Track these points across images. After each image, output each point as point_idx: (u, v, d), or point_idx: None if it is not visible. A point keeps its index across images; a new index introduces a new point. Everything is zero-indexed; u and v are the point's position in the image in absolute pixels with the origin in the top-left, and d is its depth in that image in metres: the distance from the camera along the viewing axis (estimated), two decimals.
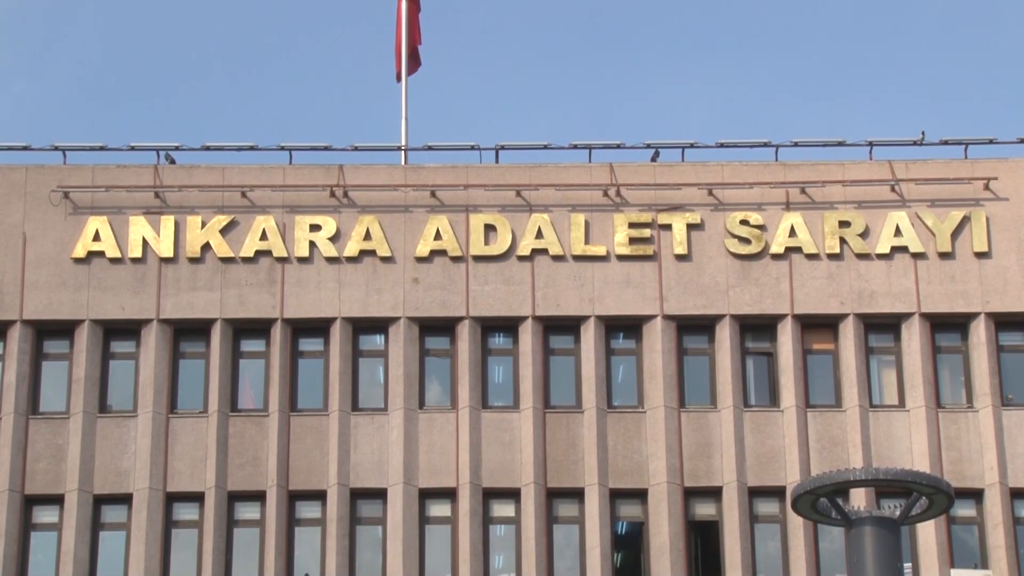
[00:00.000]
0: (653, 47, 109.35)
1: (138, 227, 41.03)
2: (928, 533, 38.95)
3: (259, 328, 41.29)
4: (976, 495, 39.66)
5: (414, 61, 46.03)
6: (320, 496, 40.27)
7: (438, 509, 40.55)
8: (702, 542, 40.36)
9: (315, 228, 41.25)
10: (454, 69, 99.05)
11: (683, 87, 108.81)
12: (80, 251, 40.79)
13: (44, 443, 40.38)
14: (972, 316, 40.86)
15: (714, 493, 40.23)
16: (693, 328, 41.44)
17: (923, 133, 41.95)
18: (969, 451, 40.31)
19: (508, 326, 41.47)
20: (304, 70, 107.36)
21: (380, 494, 40.26)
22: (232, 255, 40.98)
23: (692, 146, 42.40)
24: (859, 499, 31.28)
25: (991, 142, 42.35)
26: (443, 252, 41.15)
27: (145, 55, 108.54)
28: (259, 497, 40.21)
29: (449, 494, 40.36)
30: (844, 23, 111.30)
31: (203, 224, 41.18)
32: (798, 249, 41.08)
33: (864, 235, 41.13)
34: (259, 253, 41.02)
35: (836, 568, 39.37)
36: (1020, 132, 48.34)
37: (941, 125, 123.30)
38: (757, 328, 41.56)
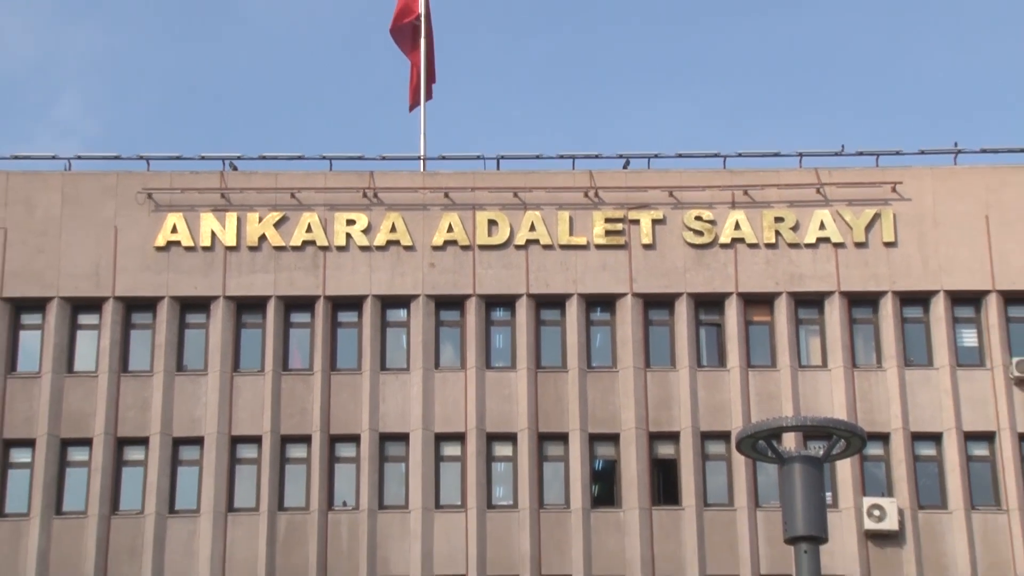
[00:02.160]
0: (626, 77, 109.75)
1: (207, 222, 41.28)
2: (845, 468, 39.21)
3: (305, 304, 41.46)
4: (884, 438, 39.92)
5: (428, 91, 45.78)
6: (355, 439, 40.55)
7: (450, 450, 40.78)
8: (663, 476, 40.50)
9: (351, 223, 41.46)
10: (464, 95, 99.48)
11: (649, 110, 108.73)
12: (161, 241, 41.02)
13: (133, 396, 40.62)
14: (881, 294, 41.19)
15: (673, 437, 40.46)
16: (656, 304, 41.57)
17: (843, 146, 42.45)
18: (878, 402, 40.64)
19: (507, 302, 41.58)
20: (342, 95, 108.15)
21: (403, 438, 40.51)
22: (283, 244, 41.24)
23: (656, 156, 42.61)
24: (790, 441, 31.72)
25: (898, 153, 42.57)
26: (454, 242, 41.43)
27: (212, 81, 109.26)
28: (306, 440, 40.50)
29: (459, 438, 40.59)
30: (781, 55, 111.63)
31: (260, 219, 41.41)
32: (741, 240, 41.38)
33: (795, 228, 41.38)
34: (305, 243, 41.27)
35: (771, 497, 39.46)
36: (921, 145, 48.55)
37: (858, 138, 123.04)
38: (708, 304, 41.66)
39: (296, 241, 41.27)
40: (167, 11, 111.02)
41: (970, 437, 40.31)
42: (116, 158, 42.43)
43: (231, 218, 41.35)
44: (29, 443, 40.30)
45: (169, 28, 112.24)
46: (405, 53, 46.07)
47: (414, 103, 45.66)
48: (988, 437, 40.33)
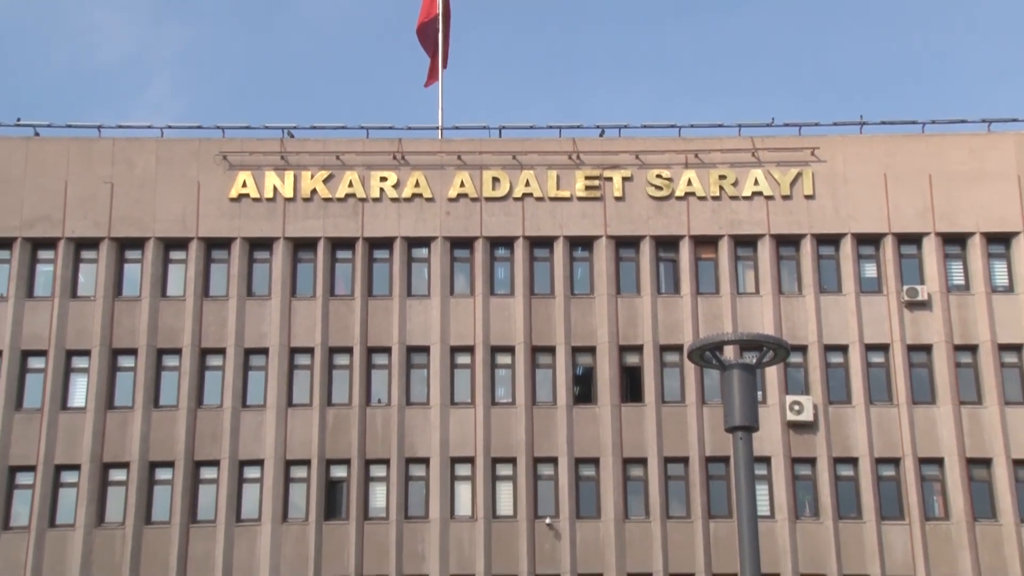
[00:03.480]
0: (602, 65, 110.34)
1: (270, 178, 41.49)
2: (772, 373, 39.57)
3: (347, 243, 41.58)
4: (802, 349, 40.27)
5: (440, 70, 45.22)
6: (387, 350, 40.81)
7: (462, 359, 40.94)
8: (630, 379, 40.84)
9: (383, 179, 41.62)
10: (473, 78, 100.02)
11: (620, 91, 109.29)
12: (233, 193, 41.34)
13: (213, 316, 41.00)
14: (802, 236, 41.42)
15: (638, 349, 40.86)
16: (625, 244, 41.75)
17: (772, 119, 42.23)
18: (798, 321, 40.95)
19: (507, 243, 41.76)
20: (376, 77, 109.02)
21: (425, 349, 40.82)
22: (330, 196, 41.47)
23: (625, 127, 42.56)
24: (730, 352, 32.84)
25: (816, 124, 42.53)
26: (465, 195, 41.68)
27: (272, 65, 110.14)
28: (348, 351, 40.73)
29: (469, 349, 40.85)
30: (725, 48, 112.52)
31: (311, 176, 41.57)
32: (692, 193, 41.57)
33: (735, 184, 41.58)
34: (347, 195, 41.48)
35: (714, 395, 39.79)
36: (834, 118, 48.63)
37: (784, 113, 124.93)
38: (666, 244, 41.74)
39: (340, 194, 41.56)
40: (235, 9, 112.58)
41: (870, 348, 40.74)
42: (198, 127, 42.62)
43: (289, 175, 41.63)
44: (132, 352, 40.63)
45: (237, 23, 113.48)
46: (425, 45, 45.55)
47: (431, 82, 45.39)
48: (884, 348, 40.78)
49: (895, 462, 39.85)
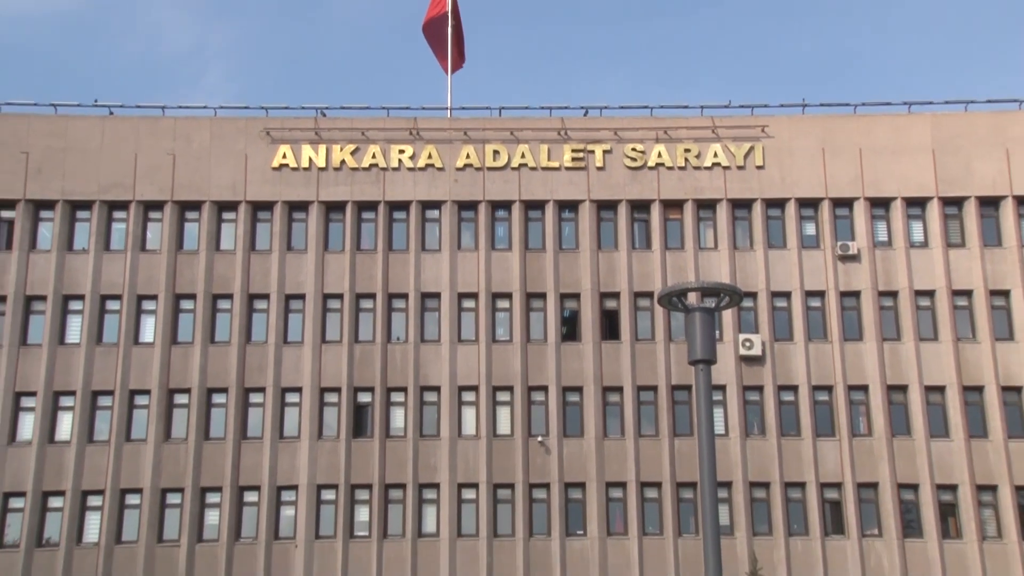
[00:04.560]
0: (586, 55, 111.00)
1: (306, 151, 41.35)
2: (728, 315, 40.10)
3: (371, 206, 41.40)
4: (753, 295, 40.53)
5: (460, 60, 44.91)
6: (404, 296, 40.70)
7: (467, 303, 40.90)
8: (609, 321, 40.81)
9: (401, 151, 41.42)
10: (477, 66, 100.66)
11: (601, 77, 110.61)
12: (275, 163, 41.26)
13: (258, 266, 40.78)
14: (753, 200, 41.38)
15: (615, 295, 40.85)
16: (606, 207, 41.60)
17: (730, 101, 42.09)
18: (750, 271, 40.85)
19: (506, 206, 41.63)
20: (395, 64, 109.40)
21: (436, 295, 40.78)
22: (357, 166, 41.33)
23: (606, 107, 42.31)
24: (693, 298, 33.87)
25: (766, 106, 42.30)
26: (471, 165, 41.52)
27: (308, 56, 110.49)
28: (372, 296, 40.67)
29: (473, 296, 40.80)
30: (689, 42, 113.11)
31: (340, 149, 41.38)
32: (662, 164, 41.52)
33: (698, 157, 41.47)
34: (371, 165, 41.34)
35: (679, 334, 40.04)
36: (781, 100, 49.14)
37: (739, 95, 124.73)
38: (640, 207, 41.61)
39: (365, 164, 41.46)
40: (277, 8, 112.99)
41: (809, 294, 40.84)
42: (245, 108, 42.39)
43: (322, 148, 41.49)
44: (192, 296, 40.69)
45: (278, 20, 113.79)
46: (430, 39, 44.92)
47: (455, 69, 44.65)
48: (820, 294, 40.85)
49: (828, 389, 40.21)
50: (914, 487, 39.27)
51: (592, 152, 41.90)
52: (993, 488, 39.19)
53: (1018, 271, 41.07)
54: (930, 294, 41.10)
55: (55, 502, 38.68)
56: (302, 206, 41.64)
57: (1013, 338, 40.58)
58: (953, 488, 39.25)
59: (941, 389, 40.21)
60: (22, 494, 38.59)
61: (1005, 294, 41.04)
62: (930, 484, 39.10)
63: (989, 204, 41.83)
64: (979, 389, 40.16)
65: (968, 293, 41.06)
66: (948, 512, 39.15)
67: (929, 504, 38.96)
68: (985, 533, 38.82)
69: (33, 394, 39.49)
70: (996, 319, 40.74)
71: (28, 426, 39.31)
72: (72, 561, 38.14)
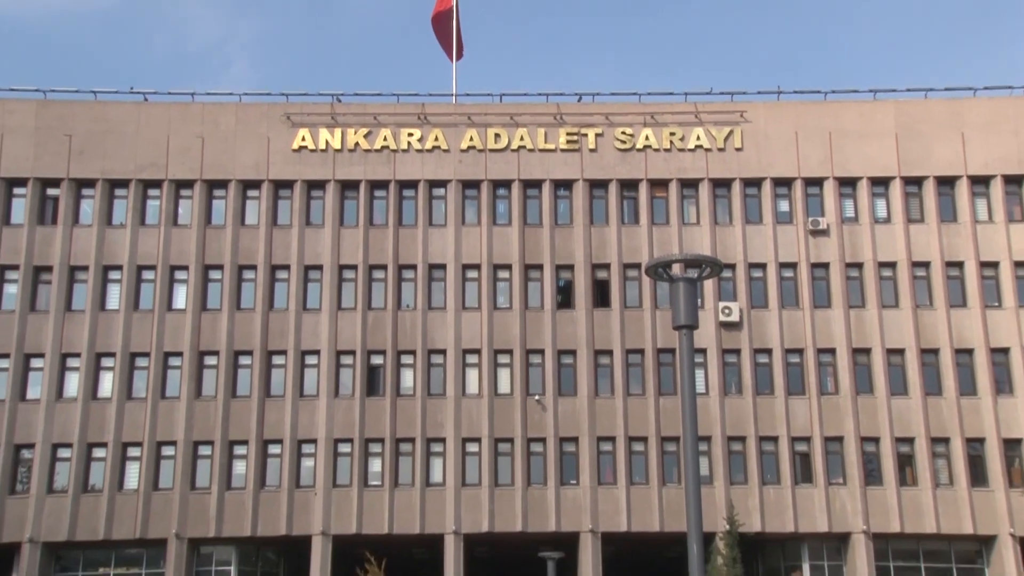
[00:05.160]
0: (580, 45, 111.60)
1: (323, 134, 41.44)
2: (709, 285, 40.00)
3: (383, 184, 41.46)
4: (732, 266, 40.59)
5: (459, 52, 44.48)
6: (413, 267, 40.88)
7: (471, 274, 41.09)
8: (600, 290, 40.92)
9: (410, 135, 41.55)
10: (481, 55, 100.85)
11: (594, 66, 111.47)
12: (295, 145, 41.36)
13: (280, 240, 40.88)
14: (732, 180, 41.58)
15: (607, 266, 41.02)
16: (597, 186, 41.72)
17: (711, 88, 42.84)
18: (730, 244, 41.00)
19: (507, 184, 41.69)
20: (405, 54, 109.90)
21: (443, 266, 40.94)
22: (370, 148, 41.41)
23: (598, 94, 42.40)
24: (677, 269, 34.14)
25: (744, 93, 42.43)
26: (474, 147, 41.56)
27: (324, 46, 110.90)
28: (384, 267, 40.82)
29: (476, 267, 41.06)
30: (674, 34, 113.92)
31: (355, 132, 41.48)
32: (649, 146, 41.62)
33: (683, 139, 41.58)
34: (383, 147, 41.42)
35: (665, 302, 39.97)
36: (759, 88, 49.09)
37: (720, 83, 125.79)
38: (629, 186, 41.66)
39: (377, 146, 41.55)
40: (296, 4, 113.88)
41: (782, 266, 41.10)
42: (268, 94, 42.57)
43: (337, 131, 41.60)
44: (219, 267, 40.78)
45: (297, 15, 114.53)
46: (437, 32, 44.67)
47: (458, 58, 44.48)
48: (793, 266, 41.08)
49: (799, 352, 40.57)
50: (875, 440, 39.80)
51: (585, 135, 41.98)
52: (946, 440, 39.82)
53: (971, 244, 41.39)
54: (892, 265, 41.42)
55: (98, 452, 39.16)
56: (320, 185, 41.77)
57: (966, 305, 40.97)
58: (910, 441, 39.84)
59: (901, 351, 40.58)
60: (69, 445, 39.12)
61: (959, 265, 41.40)
62: (890, 437, 39.63)
63: (946, 183, 42.11)
64: (935, 351, 40.58)
65: (926, 264, 41.39)
66: (905, 462, 39.71)
67: (889, 455, 39.50)
68: (938, 481, 39.45)
69: (78, 355, 39.88)
70: (951, 288, 41.10)
71: (73, 384, 39.71)
72: (114, 505, 38.72)
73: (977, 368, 40.44)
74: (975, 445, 39.88)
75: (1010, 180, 42.07)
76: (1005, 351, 40.60)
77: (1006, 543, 38.65)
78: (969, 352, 40.64)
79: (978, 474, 39.57)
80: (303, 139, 41.81)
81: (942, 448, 39.85)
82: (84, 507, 38.70)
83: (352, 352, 40.34)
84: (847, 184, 42.15)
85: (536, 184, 42.07)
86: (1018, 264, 41.30)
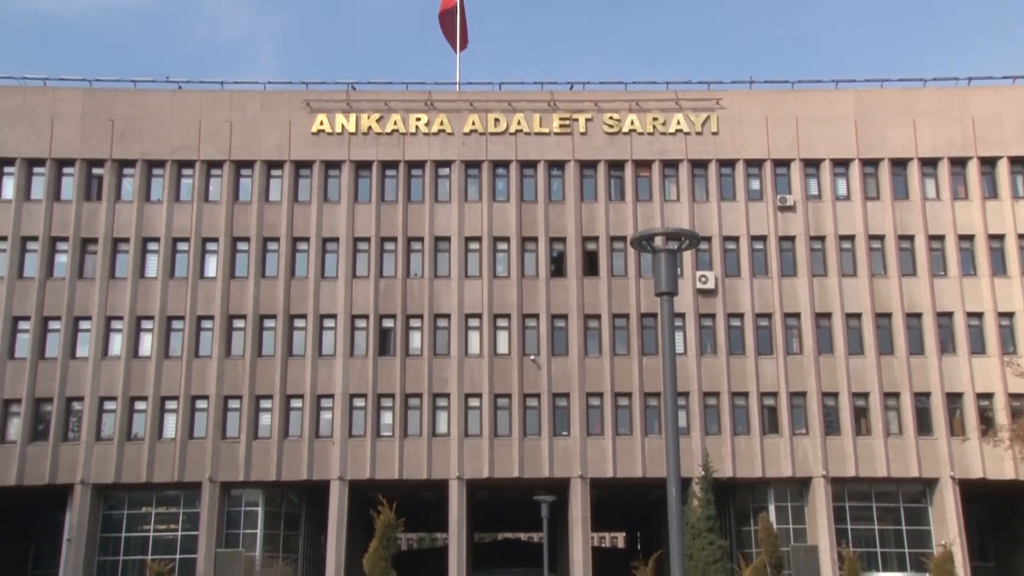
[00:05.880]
0: (572, 38, 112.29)
1: (339, 119, 41.52)
2: (688, 255, 39.90)
3: (393, 164, 41.47)
4: (709, 239, 40.72)
5: (463, 44, 44.48)
6: (421, 239, 41.00)
7: (473, 245, 41.18)
8: (589, 260, 40.98)
9: (418, 119, 41.63)
10: (483, 47, 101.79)
11: (584, 58, 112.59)
12: (314, 129, 41.53)
13: (301, 215, 41.06)
14: (709, 161, 41.69)
15: (595, 239, 41.14)
16: (587, 166, 41.75)
17: (690, 79, 43.34)
18: (707, 218, 41.08)
19: (505, 164, 41.69)
20: (414, 46, 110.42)
21: (448, 239, 41.02)
22: (381, 131, 41.48)
23: (588, 83, 42.60)
24: (659, 241, 34.10)
25: (719, 82, 42.65)
26: (476, 131, 41.65)
27: (339, 39, 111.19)
28: (394, 239, 40.97)
29: (478, 239, 41.14)
30: (659, 28, 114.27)
31: (368, 117, 41.59)
32: (635, 130, 41.75)
33: (664, 124, 41.71)
34: (393, 131, 41.54)
35: (647, 271, 40.24)
36: (733, 77, 49.98)
37: (697, 73, 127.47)
38: (615, 166, 41.70)
39: (388, 129, 41.63)
40: (315, 0, 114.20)
41: (753, 239, 41.36)
42: (289, 83, 42.70)
43: (352, 116, 41.73)
44: (246, 239, 40.93)
45: (316, 10, 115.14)
46: (444, 26, 44.53)
47: (462, 49, 44.41)
48: (763, 239, 41.35)
49: (768, 316, 40.93)
50: (835, 395, 40.30)
51: (576, 120, 42.12)
52: (896, 395, 40.41)
53: (921, 220, 41.79)
54: (851, 238, 41.75)
55: (140, 405, 39.73)
56: (336, 165, 41.95)
57: (916, 274, 41.40)
58: (865, 395, 40.41)
59: (858, 315, 40.99)
60: (114, 398, 39.66)
61: (910, 238, 41.81)
62: (847, 392, 40.17)
63: (899, 165, 42.45)
64: (888, 315, 40.99)
65: (881, 238, 41.75)
66: (861, 414, 40.26)
67: (846, 408, 40.07)
68: (889, 431, 40.09)
69: (120, 318, 40.34)
70: (903, 258, 41.49)
71: (117, 344, 40.22)
72: (154, 452, 39.31)
73: (925, 330, 40.83)
74: (922, 399, 40.33)
75: (955, 162, 42.39)
76: (949, 315, 41.03)
77: (947, 484, 39.32)
78: (918, 316, 41.04)
79: (924, 424, 40.07)
80: (321, 123, 41.91)
81: (893, 402, 40.31)
82: (128, 453, 39.23)
83: (366, 316, 40.54)
84: (811, 165, 42.36)
85: (532, 164, 42.20)
86: (961, 237, 41.68)
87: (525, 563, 53.59)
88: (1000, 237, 41.78)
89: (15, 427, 39.20)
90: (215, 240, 41.26)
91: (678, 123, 42.24)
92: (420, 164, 42.06)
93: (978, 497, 40.84)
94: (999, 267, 41.51)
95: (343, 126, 41.98)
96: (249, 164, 41.96)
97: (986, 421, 39.85)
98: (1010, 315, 41.04)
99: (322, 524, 40.04)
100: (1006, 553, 42.51)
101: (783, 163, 42.36)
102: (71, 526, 38.21)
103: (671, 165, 42.26)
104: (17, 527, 42.11)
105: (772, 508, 40.01)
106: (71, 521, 38.25)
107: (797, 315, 41.05)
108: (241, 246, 41.41)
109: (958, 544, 37.64)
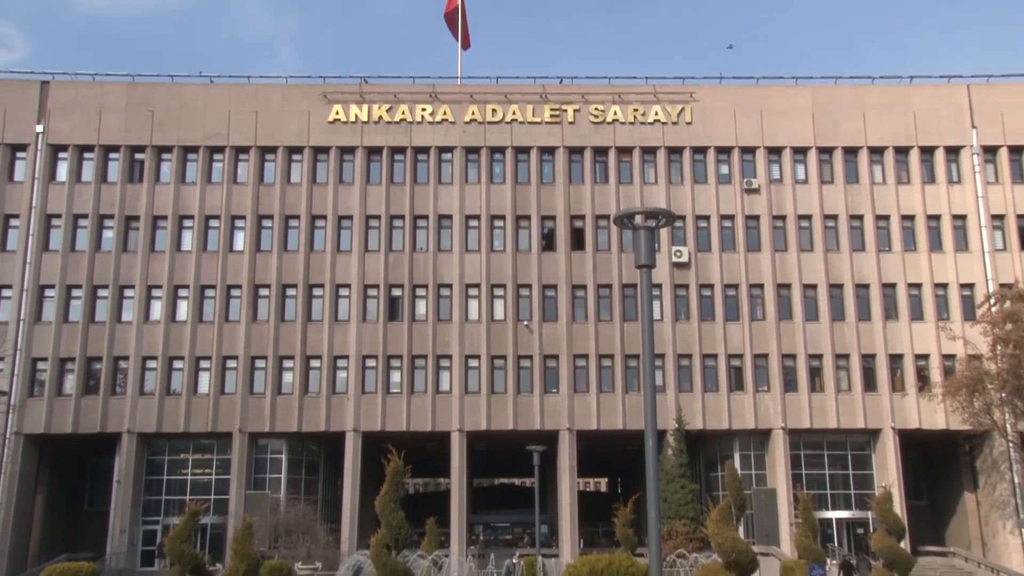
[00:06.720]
0: (561, 37, 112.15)
1: (353, 109, 41.61)
2: (664, 232, 40.13)
3: (401, 150, 41.65)
4: (683, 217, 40.94)
5: (466, 42, 44.32)
6: (426, 217, 41.08)
7: (472, 223, 41.23)
8: (576, 236, 40.94)
9: (424, 110, 41.72)
10: (482, 44, 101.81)
11: (572, 54, 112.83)
12: (330, 118, 41.63)
13: (318, 195, 41.07)
14: (683, 148, 41.87)
15: (582, 217, 41.23)
16: (575, 152, 41.89)
17: (667, 74, 44.19)
18: (682, 199, 41.38)
19: (501, 151, 41.74)
20: (419, 43, 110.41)
21: (450, 217, 41.06)
22: (391, 120, 41.50)
23: (576, 77, 42.79)
24: (639, 219, 33.82)
25: (692, 77, 42.85)
26: (476, 120, 41.59)
27: (354, 37, 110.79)
28: (402, 217, 40.98)
29: (477, 217, 41.18)
30: (640, 26, 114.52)
31: (379, 108, 41.61)
32: (619, 121, 41.81)
33: (644, 115, 41.82)
34: (401, 120, 41.61)
35: (628, 246, 39.93)
36: (705, 73, 49.80)
37: (673, 69, 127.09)
38: (600, 152, 41.84)
39: (397, 119, 41.69)
40: (332, 1, 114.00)
41: (723, 217, 41.54)
42: (308, 77, 43.76)
43: (364, 107, 41.82)
44: (270, 216, 40.88)
45: (333, 11, 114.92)
46: (450, 25, 44.35)
47: (465, 47, 44.25)
48: (731, 217, 41.53)
49: (735, 286, 41.29)
50: (793, 356, 40.78)
51: (565, 111, 42.31)
52: (847, 356, 40.89)
53: (869, 202, 42.14)
54: (808, 218, 42.19)
55: (177, 364, 40.14)
56: (350, 150, 42.13)
57: (864, 249, 41.87)
58: (819, 356, 40.87)
59: (814, 286, 41.46)
60: (155, 358, 40.14)
61: (860, 218, 42.23)
62: (804, 354, 40.64)
63: (851, 153, 42.82)
64: (840, 286, 41.51)
65: (834, 217, 42.14)
66: (816, 374, 40.75)
67: (803, 368, 40.55)
68: (840, 388, 40.61)
69: (160, 287, 40.71)
70: (853, 236, 41.91)
71: (157, 310, 40.60)
72: (191, 406, 39.77)
73: (872, 299, 41.24)
74: (868, 359, 40.81)
75: (899, 151, 42.72)
76: (892, 286, 41.48)
77: (888, 434, 40.03)
78: (866, 287, 41.46)
79: (870, 382, 40.56)
80: (337, 113, 42.02)
81: (844, 362, 40.76)
82: (168, 407, 39.63)
83: (377, 286, 40.80)
84: (774, 152, 42.66)
85: (525, 151, 42.36)
86: (904, 217, 42.05)
87: (519, 505, 54.43)
88: (937, 217, 42.19)
89: (70, 382, 39.68)
90: (243, 218, 41.44)
91: (656, 114, 42.36)
92: (425, 150, 42.17)
93: (914, 445, 41.44)
94: (936, 244, 41.96)
95: (356, 116, 42.07)
96: (273, 150, 42.11)
97: (923, 379, 40.37)
98: (944, 286, 41.54)
99: (338, 470, 40.39)
100: (937, 493, 43.24)
101: (749, 150, 42.64)
102: (120, 469, 38.85)
103: (650, 152, 42.45)
104: (73, 470, 42.78)
105: (737, 456, 40.45)
106: (120, 465, 38.90)
107: (760, 286, 41.41)
108: (266, 223, 41.60)
109: (896, 486, 38.20)
